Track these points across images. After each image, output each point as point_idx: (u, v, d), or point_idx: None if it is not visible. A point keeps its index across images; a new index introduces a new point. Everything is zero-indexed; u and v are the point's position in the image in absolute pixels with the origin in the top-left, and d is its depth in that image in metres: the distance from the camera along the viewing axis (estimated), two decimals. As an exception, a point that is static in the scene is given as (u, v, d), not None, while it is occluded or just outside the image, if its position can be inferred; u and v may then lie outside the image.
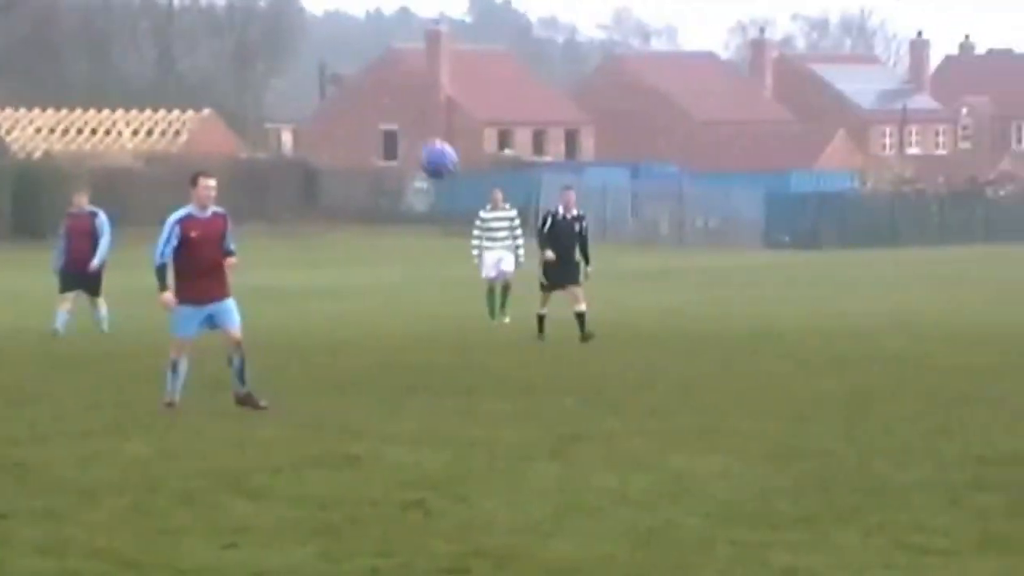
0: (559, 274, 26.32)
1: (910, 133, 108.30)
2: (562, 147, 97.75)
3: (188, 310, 17.44)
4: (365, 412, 17.51)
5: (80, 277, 27.15)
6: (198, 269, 17.38)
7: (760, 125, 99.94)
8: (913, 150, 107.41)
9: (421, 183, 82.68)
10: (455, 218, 65.46)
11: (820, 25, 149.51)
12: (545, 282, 26.38)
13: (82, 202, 28.02)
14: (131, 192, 70.90)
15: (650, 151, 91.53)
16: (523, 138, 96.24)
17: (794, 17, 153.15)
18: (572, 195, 27.49)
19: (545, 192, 73.16)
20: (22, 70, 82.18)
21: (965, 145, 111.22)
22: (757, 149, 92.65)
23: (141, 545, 10.99)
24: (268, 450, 14.88)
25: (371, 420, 16.87)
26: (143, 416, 17.17)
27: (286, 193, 77.92)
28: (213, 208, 17.66)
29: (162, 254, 17.42)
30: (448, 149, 14.01)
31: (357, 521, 11.77)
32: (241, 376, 17.52)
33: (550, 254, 26.34)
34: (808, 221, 74.74)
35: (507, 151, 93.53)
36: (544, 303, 26.53)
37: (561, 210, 26.93)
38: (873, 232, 71.68)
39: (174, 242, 17.34)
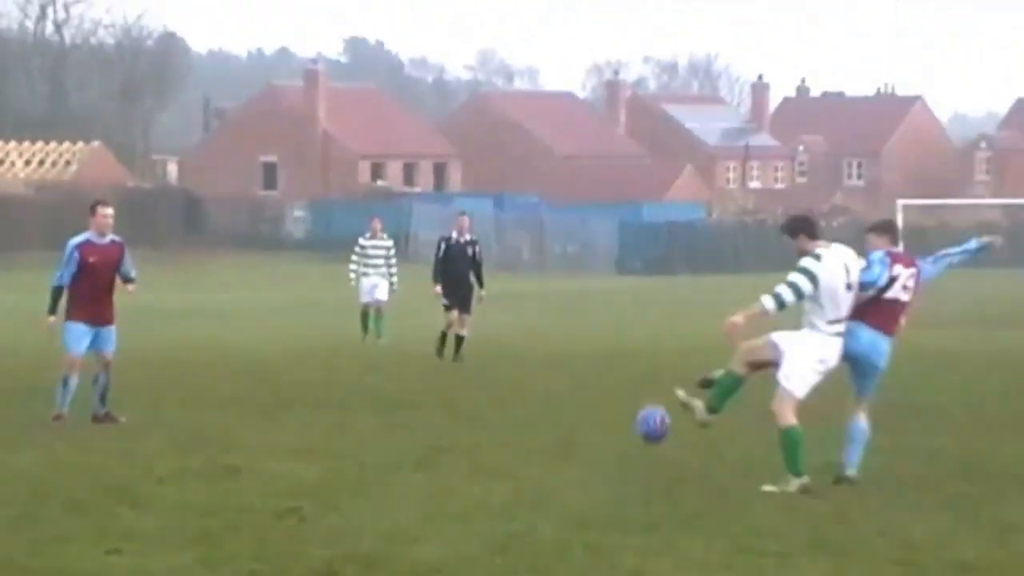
0: (456, 295, 26.22)
1: (752, 168, 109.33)
2: (431, 179, 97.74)
3: (80, 328, 17.32)
4: (243, 426, 17.44)
5: None
6: (92, 292, 17.31)
7: (615, 160, 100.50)
8: (754, 184, 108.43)
9: (299, 212, 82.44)
10: (331, 245, 65.28)
11: (670, 68, 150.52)
12: (447, 303, 26.26)
13: None
14: (23, 218, 70.25)
15: (513, 183, 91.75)
16: (394, 170, 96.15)
17: (646, 60, 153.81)
18: (466, 220, 27.48)
19: (415, 220, 73.28)
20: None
21: (801, 180, 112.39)
22: (612, 182, 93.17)
23: (30, 551, 10.89)
24: (152, 461, 14.79)
25: (249, 433, 16.81)
26: (30, 429, 17.00)
27: (170, 220, 77.40)
28: (111, 236, 17.57)
29: (60, 277, 17.37)
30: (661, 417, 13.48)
31: (236, 528, 11.72)
32: (103, 398, 17.53)
33: (438, 289, 26.28)
34: (659, 249, 75.22)
35: (379, 182, 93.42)
36: (448, 323, 26.30)
37: (455, 235, 26.86)
38: (719, 259, 72.26)
39: (73, 267, 17.25)
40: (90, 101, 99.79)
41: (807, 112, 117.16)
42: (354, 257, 31.70)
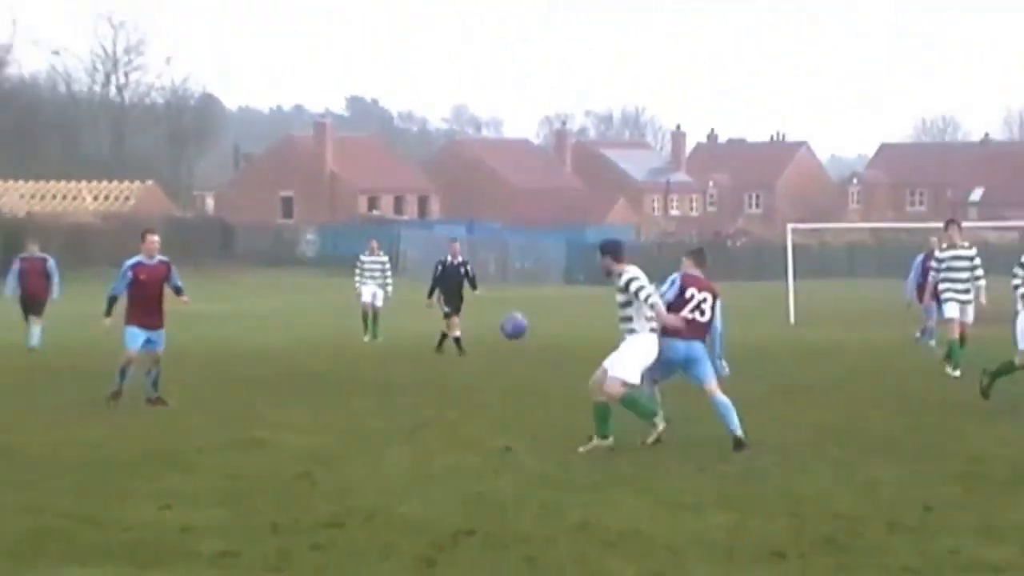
0: (452, 304, 26.31)
1: (672, 199, 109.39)
2: (416, 208, 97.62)
3: (135, 331, 17.31)
4: (266, 406, 17.38)
5: (34, 304, 26.92)
6: (144, 303, 17.32)
7: (562, 192, 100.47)
8: (674, 212, 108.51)
9: (311, 235, 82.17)
10: (336, 262, 65.10)
11: (606, 119, 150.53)
12: (447, 310, 26.36)
13: (34, 249, 27.82)
14: (91, 242, 69.91)
15: (481, 211, 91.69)
16: (387, 202, 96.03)
17: (587, 113, 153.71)
18: (457, 245, 27.71)
19: (404, 242, 73.06)
20: (10, 150, 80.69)
21: (711, 208, 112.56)
22: (560, 210, 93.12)
23: (97, 507, 10.84)
24: (193, 435, 14.73)
25: (271, 412, 16.74)
26: (96, 408, 16.94)
27: (208, 244, 77.07)
28: (159, 257, 17.55)
29: (114, 288, 17.42)
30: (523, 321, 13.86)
31: (260, 488, 11.68)
32: (155, 384, 17.44)
33: (432, 301, 26.48)
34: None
35: (375, 211, 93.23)
36: (448, 326, 26.36)
37: (449, 258, 27.08)
38: (646, 271, 72.08)
39: (125, 282, 17.26)
40: (144, 148, 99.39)
41: (716, 154, 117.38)
42: (357, 271, 31.69)
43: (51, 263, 27.36)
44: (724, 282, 72.69)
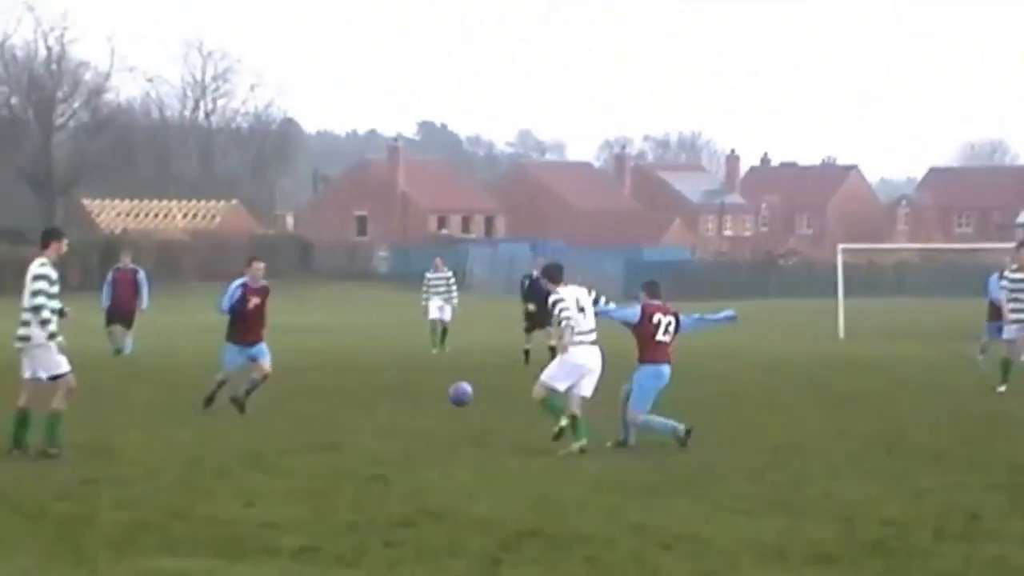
0: (536, 319, 26.03)
1: (726, 220, 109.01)
2: (483, 228, 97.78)
3: (234, 349, 17.42)
4: (343, 412, 17.47)
5: (122, 315, 27.03)
6: (245, 323, 17.38)
7: (621, 214, 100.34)
8: (728, 232, 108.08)
9: (383, 252, 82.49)
10: (407, 277, 65.24)
11: (664, 143, 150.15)
12: (526, 324, 26.32)
13: (127, 260, 27.95)
14: (181, 258, 70.60)
15: (544, 231, 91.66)
16: (455, 222, 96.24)
17: (645, 138, 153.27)
18: (541, 260, 27.62)
19: (471, 260, 73.19)
20: (107, 171, 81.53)
21: (764, 229, 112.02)
22: (619, 231, 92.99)
23: (188, 503, 10.94)
24: (275, 438, 14.83)
25: (347, 418, 16.83)
26: (187, 414, 17.09)
27: (289, 260, 77.55)
28: (262, 281, 17.67)
29: (223, 307, 17.43)
30: (468, 388, 15.10)
31: (337, 489, 11.74)
32: (249, 392, 17.40)
33: (531, 307, 26.15)
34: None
35: (444, 231, 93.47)
36: (528, 341, 26.20)
37: (535, 273, 26.99)
38: (701, 289, 71.74)
39: (235, 300, 17.27)
40: (230, 169, 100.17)
41: (768, 177, 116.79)
42: (423, 287, 31.78)
43: (141, 274, 27.50)
44: (775, 299, 72.21)
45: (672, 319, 14.78)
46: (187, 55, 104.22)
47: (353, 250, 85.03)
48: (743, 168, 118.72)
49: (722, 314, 15.58)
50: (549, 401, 14.63)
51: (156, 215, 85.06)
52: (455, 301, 31.37)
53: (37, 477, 12.06)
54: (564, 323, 14.45)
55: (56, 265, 13.61)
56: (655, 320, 14.67)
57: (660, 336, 14.67)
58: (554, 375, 14.59)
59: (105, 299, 27.50)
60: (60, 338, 13.50)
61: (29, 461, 13.09)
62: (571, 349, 14.46)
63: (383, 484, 12.00)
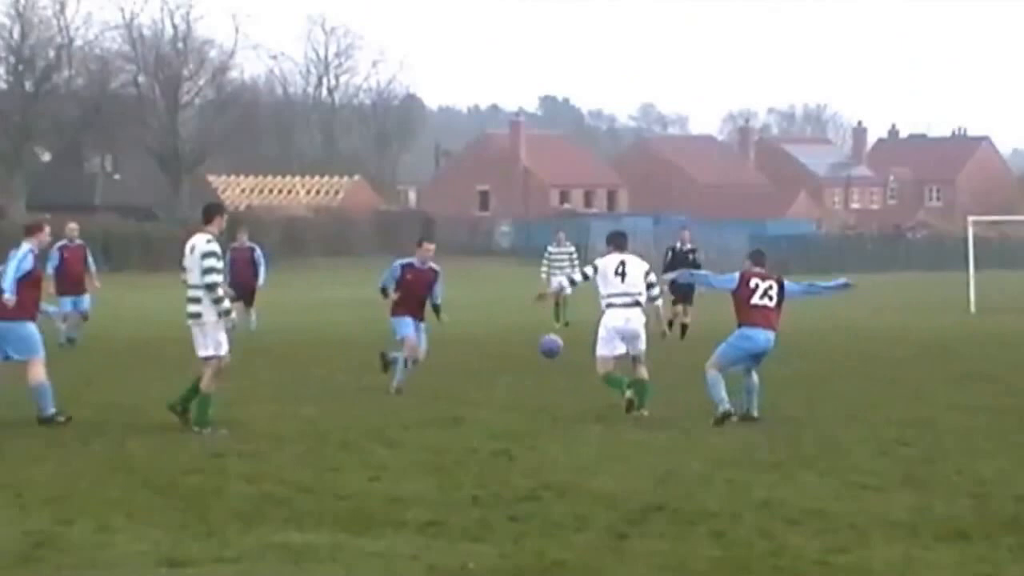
0: (680, 292, 25.57)
1: (852, 193, 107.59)
2: (605, 202, 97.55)
3: (406, 320, 17.26)
4: (466, 387, 17.55)
5: (242, 293, 26.68)
6: (408, 301, 17.24)
7: (745, 187, 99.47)
8: (855, 205, 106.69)
9: (505, 227, 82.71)
10: (529, 252, 65.33)
11: (788, 116, 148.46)
12: (672, 297, 25.88)
13: (243, 238, 27.86)
14: (304, 233, 71.45)
15: (667, 205, 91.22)
16: (577, 196, 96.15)
17: (770, 110, 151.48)
18: (687, 233, 27.48)
19: (593, 234, 73.03)
20: (232, 149, 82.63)
21: (892, 202, 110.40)
22: (743, 204, 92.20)
23: (313, 477, 11.07)
24: (400, 413, 14.95)
25: (471, 392, 16.90)
26: (312, 389, 17.28)
27: (411, 235, 77.94)
28: (430, 263, 17.57)
29: (385, 282, 17.37)
30: (558, 340, 16.15)
31: (461, 463, 11.81)
32: (405, 367, 17.20)
33: (670, 275, 25.86)
34: (780, 255, 74.06)
35: (566, 205, 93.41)
36: (674, 314, 25.67)
37: (679, 244, 26.81)
38: (826, 262, 71.00)
39: (395, 277, 17.27)
40: (353, 146, 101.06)
41: (896, 149, 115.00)
42: (544, 262, 31.85)
43: (258, 252, 27.61)
44: (904, 273, 71.17)
45: (773, 284, 14.64)
46: (310, 32, 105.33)
47: (475, 225, 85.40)
48: (870, 140, 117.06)
49: (835, 282, 15.48)
50: (610, 376, 15.20)
51: (280, 191, 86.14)
52: (577, 275, 31.33)
53: (168, 451, 12.28)
54: (567, 280, 15.87)
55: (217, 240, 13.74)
56: (752, 284, 14.59)
57: (756, 300, 14.51)
58: (601, 346, 15.36)
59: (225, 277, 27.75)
60: (233, 315, 13.61)
61: (160, 435, 13.32)
62: (607, 312, 15.34)
63: (507, 459, 12.04)
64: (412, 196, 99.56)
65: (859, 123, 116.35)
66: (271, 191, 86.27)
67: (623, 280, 15.39)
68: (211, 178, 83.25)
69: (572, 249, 32.08)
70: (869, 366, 20.92)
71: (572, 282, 16.67)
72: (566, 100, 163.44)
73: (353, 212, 78.51)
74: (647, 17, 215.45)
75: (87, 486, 10.60)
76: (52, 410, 13.85)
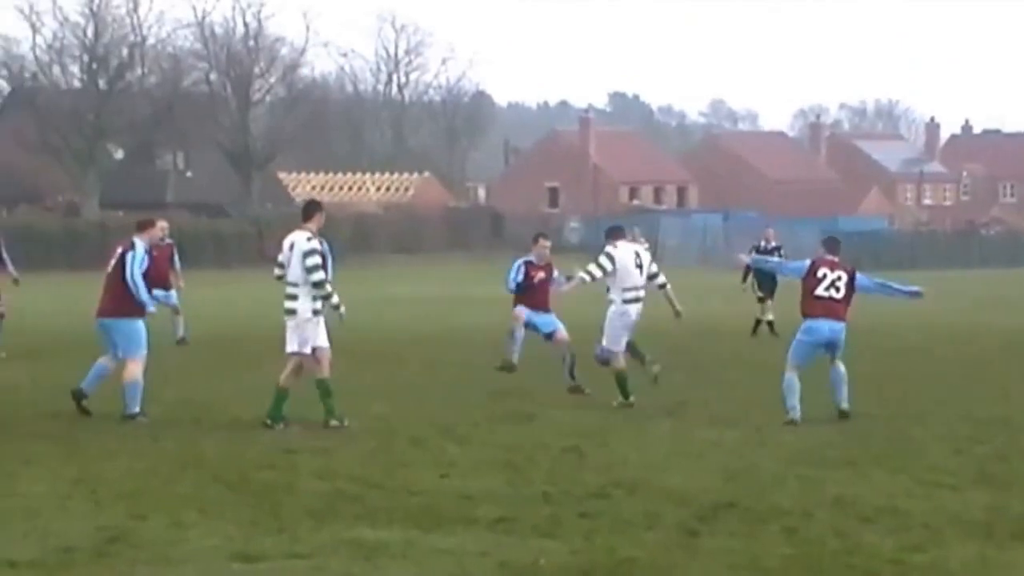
0: (765, 288, 25.44)
1: (925, 190, 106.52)
2: (675, 199, 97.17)
3: (529, 311, 17.37)
4: (537, 384, 17.53)
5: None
6: (532, 294, 17.31)
7: (816, 183, 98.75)
8: (927, 201, 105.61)
9: (575, 223, 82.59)
10: (598, 248, 65.03)
11: (860, 111, 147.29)
12: (760, 295, 25.74)
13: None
14: (375, 230, 71.76)
15: (737, 202, 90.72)
16: (646, 192, 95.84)
17: (841, 106, 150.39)
18: (772, 231, 27.30)
19: (663, 230, 72.81)
20: (302, 146, 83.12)
21: (965, 198, 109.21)
22: (814, 200, 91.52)
23: (383, 474, 11.10)
24: (470, 410, 14.97)
25: (542, 389, 16.88)
26: (382, 385, 17.33)
27: (480, 231, 78.28)
28: (548, 258, 17.68)
29: (511, 281, 17.42)
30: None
31: (532, 460, 11.80)
32: (571, 372, 17.02)
33: (745, 286, 25.81)
34: (852, 251, 73.47)
35: (635, 201, 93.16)
36: (761, 312, 25.64)
37: (763, 243, 26.61)
38: (898, 259, 70.36)
39: (520, 276, 17.34)
40: (422, 143, 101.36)
41: (970, 145, 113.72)
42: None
43: (324, 246, 27.45)
44: (977, 270, 70.42)
45: (842, 275, 14.34)
46: (380, 29, 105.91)
47: (544, 221, 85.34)
48: (943, 136, 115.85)
49: (909, 287, 15.17)
50: (624, 376, 15.51)
51: (350, 188, 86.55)
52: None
53: (239, 446, 12.36)
54: (584, 274, 15.67)
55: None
56: (819, 274, 14.30)
57: (820, 291, 14.24)
58: (615, 342, 15.62)
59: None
60: (343, 309, 13.57)
61: (232, 431, 13.39)
62: (620, 307, 15.55)
63: (578, 455, 12.02)
64: (481, 193, 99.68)
65: (932, 118, 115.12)
66: (341, 188, 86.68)
67: (641, 272, 15.84)
68: (281, 175, 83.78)
69: (646, 245, 31.97)
70: (943, 363, 20.71)
71: (592, 276, 16.20)
72: (636, 96, 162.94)
73: (423, 209, 78.72)
74: (718, 12, 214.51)
75: (160, 482, 10.69)
76: (137, 409, 13.97)
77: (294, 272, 13.67)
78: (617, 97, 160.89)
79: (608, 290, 15.90)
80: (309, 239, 13.68)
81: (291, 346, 13.69)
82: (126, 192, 70.24)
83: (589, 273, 16.02)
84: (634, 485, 10.58)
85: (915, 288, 15.25)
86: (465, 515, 9.54)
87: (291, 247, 13.78)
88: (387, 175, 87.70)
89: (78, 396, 14.19)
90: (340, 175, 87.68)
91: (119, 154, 75.94)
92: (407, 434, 13.13)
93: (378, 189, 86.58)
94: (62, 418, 13.98)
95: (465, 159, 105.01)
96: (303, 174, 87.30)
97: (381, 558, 8.37)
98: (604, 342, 15.78)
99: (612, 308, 15.82)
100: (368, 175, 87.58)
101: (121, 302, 14.11)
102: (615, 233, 16.24)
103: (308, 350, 13.66)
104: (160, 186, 74.35)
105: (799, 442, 12.74)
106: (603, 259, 15.85)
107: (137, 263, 14.17)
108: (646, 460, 11.78)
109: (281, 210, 73.00)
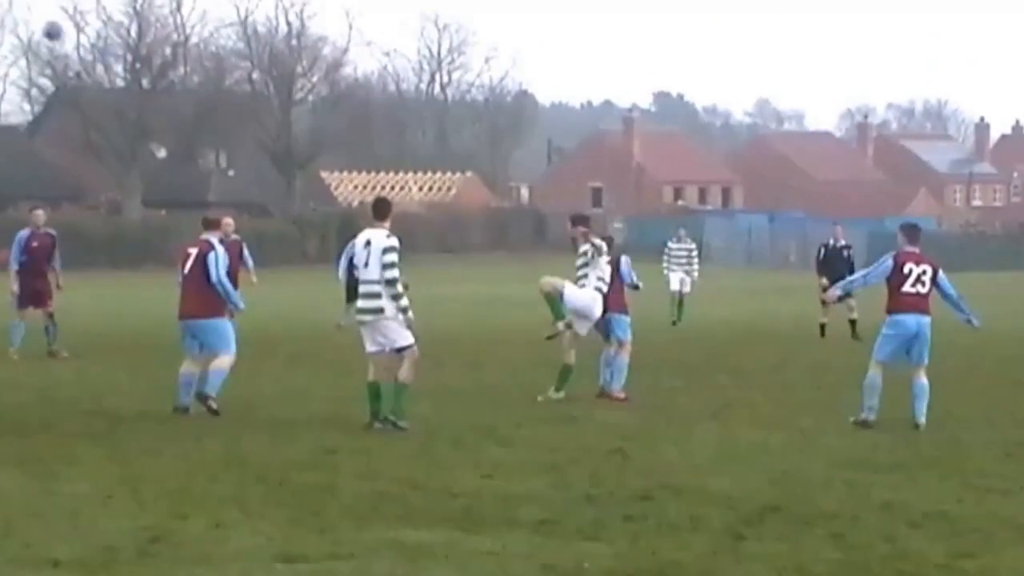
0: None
1: (974, 191, 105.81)
2: (719, 199, 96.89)
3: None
4: (579, 385, 17.46)
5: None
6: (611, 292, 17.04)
7: (863, 184, 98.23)
8: (977, 203, 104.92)
9: (618, 224, 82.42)
10: (643, 249, 64.98)
11: (908, 112, 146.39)
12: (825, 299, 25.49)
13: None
14: (418, 230, 71.91)
15: (783, 203, 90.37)
16: (691, 192, 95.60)
17: (889, 106, 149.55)
18: (840, 229, 26.94)
19: (708, 231, 72.57)
20: (345, 146, 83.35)
21: (1016, 199, 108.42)
22: (861, 201, 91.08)
23: (426, 474, 11.10)
24: (513, 410, 14.94)
25: (584, 390, 16.83)
26: (424, 386, 17.31)
27: (523, 231, 78.30)
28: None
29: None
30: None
31: (576, 461, 11.77)
32: (613, 377, 16.67)
33: (824, 281, 24.80)
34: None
35: (680, 202, 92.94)
36: (824, 314, 25.12)
37: (832, 241, 26.30)
38: (947, 261, 69.62)
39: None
40: (465, 143, 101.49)
41: (1021, 146, 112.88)
42: (664, 258, 31.74)
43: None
44: (1027, 271, 67.97)
45: (928, 269, 14.00)
46: (423, 28, 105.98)
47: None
48: (993, 136, 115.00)
49: (970, 314, 14.57)
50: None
51: (393, 188, 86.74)
52: (696, 274, 31.27)
53: (280, 447, 12.39)
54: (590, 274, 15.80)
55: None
56: (905, 270, 13.93)
57: (907, 287, 13.90)
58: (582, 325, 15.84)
59: (341, 273, 27.76)
60: (411, 314, 13.47)
61: (273, 430, 13.42)
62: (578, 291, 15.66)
63: (621, 457, 11.99)
64: (524, 193, 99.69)
65: (981, 119, 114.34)
66: (384, 187, 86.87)
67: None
68: (324, 175, 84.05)
69: (692, 245, 32.01)
70: (994, 366, 20.55)
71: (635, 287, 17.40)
72: (680, 96, 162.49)
73: (466, 209, 78.80)
74: (765, 11, 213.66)
75: (202, 481, 10.73)
76: (214, 395, 14.04)
77: (374, 270, 13.46)
78: (661, 97, 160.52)
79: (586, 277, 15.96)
80: (388, 236, 13.57)
81: (403, 341, 13.44)
82: (168, 191, 70.61)
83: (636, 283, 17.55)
84: (679, 488, 10.54)
85: (975, 319, 14.71)
86: (508, 517, 9.52)
87: (366, 244, 13.54)
88: (430, 175, 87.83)
89: (202, 398, 14.13)
90: (383, 174, 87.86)
91: (162, 153, 76.37)
92: (449, 435, 13.12)
93: (421, 189, 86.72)
94: (105, 417, 14.05)
95: (508, 159, 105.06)
96: (346, 173, 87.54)
97: (423, 559, 8.36)
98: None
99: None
100: (411, 174, 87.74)
101: (208, 303, 14.22)
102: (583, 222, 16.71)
103: (408, 343, 13.52)
104: (202, 185, 74.71)
105: (846, 446, 12.66)
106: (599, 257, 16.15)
107: (222, 264, 14.28)
108: (691, 463, 11.73)
109: (324, 210, 73.31)
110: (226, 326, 14.36)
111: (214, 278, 14.16)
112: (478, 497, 10.19)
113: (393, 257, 13.46)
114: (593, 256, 15.89)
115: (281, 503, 9.95)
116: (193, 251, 14.45)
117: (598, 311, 15.93)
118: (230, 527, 9.15)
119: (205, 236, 14.53)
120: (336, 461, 11.66)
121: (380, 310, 13.47)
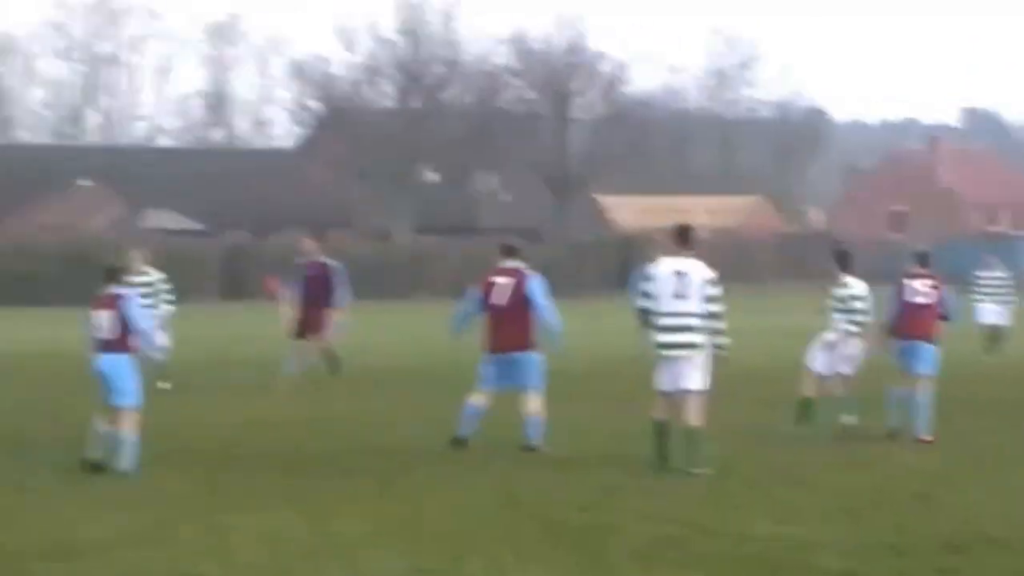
0: None
1: None
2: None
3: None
4: (878, 424, 17.03)
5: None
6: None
7: None
8: None
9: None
10: (949, 278, 63.33)
11: None
12: None
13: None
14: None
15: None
16: (1005, 216, 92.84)
17: None
18: None
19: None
20: (624, 167, 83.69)
21: None
22: None
23: (716, 517, 11.03)
24: (809, 451, 14.70)
25: (881, 431, 16.34)
26: (715, 425, 17.17)
27: (817, 259, 77.16)
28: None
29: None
30: None
31: (877, 506, 11.55)
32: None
33: None
34: None
35: (992, 227, 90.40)
36: None
37: None
38: None
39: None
40: (751, 163, 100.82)
41: None
42: (974, 288, 31.00)
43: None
44: None
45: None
46: (709, 43, 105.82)
47: (887, 248, 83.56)
48: None
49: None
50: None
51: (674, 212, 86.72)
52: (1012, 305, 30.39)
53: (557, 487, 12.47)
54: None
55: None
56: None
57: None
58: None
59: (639, 302, 27.67)
60: (726, 352, 13.46)
61: (549, 470, 13.52)
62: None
63: (925, 503, 11.70)
64: (817, 216, 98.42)
65: None
66: (666, 211, 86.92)
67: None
68: (599, 198, 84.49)
69: (1005, 275, 31.10)
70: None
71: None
72: (992, 112, 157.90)
73: (754, 234, 78.16)
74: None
75: (475, 521, 10.88)
76: (542, 443, 14.38)
77: (693, 302, 13.40)
78: (970, 113, 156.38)
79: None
80: (706, 267, 13.64)
81: (696, 384, 13.41)
82: (438, 216, 71.85)
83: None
84: (994, 539, 10.22)
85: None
86: (804, 565, 9.40)
87: (678, 275, 13.53)
88: (715, 198, 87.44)
89: (528, 449, 14.38)
90: (664, 197, 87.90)
91: (433, 176, 77.87)
92: (742, 475, 13.02)
93: (707, 212, 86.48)
94: (381, 453, 14.40)
95: (798, 181, 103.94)
96: (622, 197, 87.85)
97: (714, 609, 8.31)
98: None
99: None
100: (694, 197, 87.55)
101: (530, 334, 14.56)
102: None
103: (701, 388, 13.44)
104: (473, 210, 75.94)
105: None
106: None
107: (545, 293, 14.55)
108: (1005, 510, 11.37)
109: (600, 235, 73.67)
110: (543, 362, 14.59)
111: (541, 308, 14.35)
112: (771, 543, 10.07)
113: (719, 290, 13.44)
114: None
115: (557, 545, 10.03)
116: (500, 281, 14.60)
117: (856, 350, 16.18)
118: (506, 571, 9.27)
119: (515, 264, 14.66)
120: (615, 501, 11.70)
121: (693, 345, 13.41)
